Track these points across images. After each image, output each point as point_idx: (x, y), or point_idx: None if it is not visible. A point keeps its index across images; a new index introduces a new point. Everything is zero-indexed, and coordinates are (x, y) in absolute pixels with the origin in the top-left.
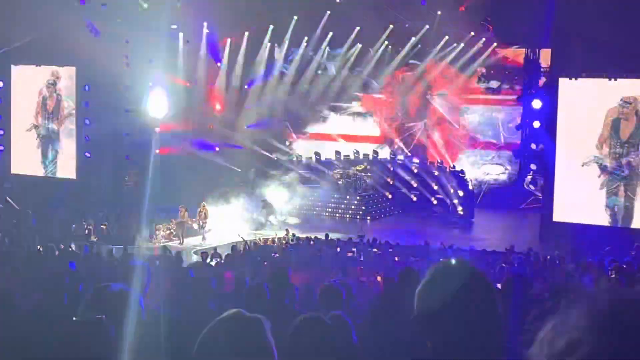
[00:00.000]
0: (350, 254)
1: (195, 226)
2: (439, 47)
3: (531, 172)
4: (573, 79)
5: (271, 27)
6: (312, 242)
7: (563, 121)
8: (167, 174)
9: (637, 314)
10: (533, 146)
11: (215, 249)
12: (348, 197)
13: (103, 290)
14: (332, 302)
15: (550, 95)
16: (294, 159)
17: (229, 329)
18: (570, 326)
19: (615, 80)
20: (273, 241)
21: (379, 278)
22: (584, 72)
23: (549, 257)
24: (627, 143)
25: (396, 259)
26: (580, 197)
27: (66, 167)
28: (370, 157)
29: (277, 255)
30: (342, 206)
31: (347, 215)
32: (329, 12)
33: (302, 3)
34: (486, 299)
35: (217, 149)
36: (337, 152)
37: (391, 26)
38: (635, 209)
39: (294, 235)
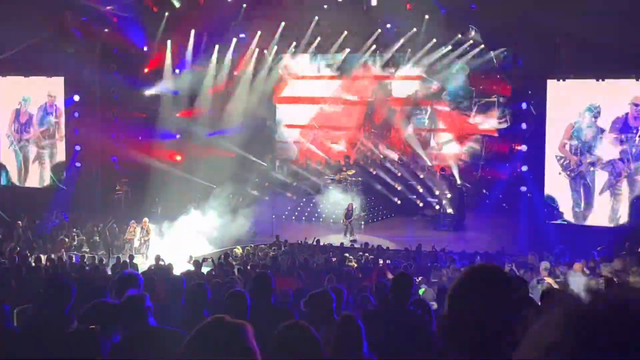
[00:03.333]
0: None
1: (137, 243)
2: (426, 49)
3: (521, 173)
4: (561, 80)
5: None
6: (303, 248)
7: (551, 122)
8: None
9: (619, 314)
10: (523, 147)
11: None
12: (339, 201)
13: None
14: (320, 310)
15: (539, 97)
16: (284, 165)
17: (212, 335)
18: (552, 326)
19: (603, 81)
20: (263, 248)
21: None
22: (572, 74)
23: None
24: (587, 144)
25: (388, 261)
26: (569, 198)
27: (44, 178)
28: (361, 161)
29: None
30: (333, 211)
31: (338, 221)
32: (317, 17)
33: (289, 9)
34: (517, 303)
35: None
36: (327, 157)
37: (379, 30)
38: (595, 206)
39: (285, 241)
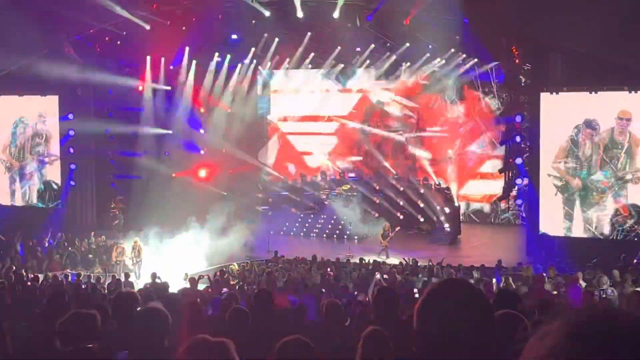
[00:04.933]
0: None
1: (130, 263)
2: (420, 63)
3: (516, 186)
4: (554, 93)
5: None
6: (300, 264)
7: (545, 135)
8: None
9: (611, 324)
10: (518, 161)
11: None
12: (334, 217)
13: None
14: (336, 317)
15: (533, 110)
16: (280, 181)
17: (198, 356)
18: (552, 334)
19: (596, 93)
20: (260, 264)
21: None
22: (565, 86)
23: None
24: (586, 161)
25: (385, 276)
26: (561, 216)
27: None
28: (356, 176)
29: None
30: (329, 227)
31: (335, 236)
32: (309, 32)
33: (284, 24)
34: (484, 316)
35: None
36: (323, 173)
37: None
38: (594, 221)
39: (282, 257)
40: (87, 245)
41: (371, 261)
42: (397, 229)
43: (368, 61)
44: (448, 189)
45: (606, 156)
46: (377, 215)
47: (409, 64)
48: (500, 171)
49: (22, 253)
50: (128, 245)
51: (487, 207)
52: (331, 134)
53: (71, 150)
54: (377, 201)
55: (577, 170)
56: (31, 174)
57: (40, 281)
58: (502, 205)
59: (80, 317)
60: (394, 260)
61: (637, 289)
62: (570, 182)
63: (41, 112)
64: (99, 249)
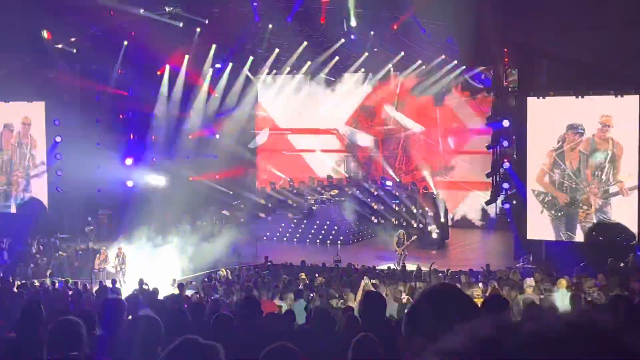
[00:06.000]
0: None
1: (113, 271)
2: (409, 67)
3: (504, 191)
4: (541, 97)
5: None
6: (288, 269)
7: (532, 140)
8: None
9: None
10: (506, 165)
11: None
12: (323, 222)
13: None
14: (325, 324)
15: (519, 115)
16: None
17: (185, 356)
18: (449, 352)
19: (583, 97)
20: (249, 269)
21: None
22: (551, 91)
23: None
24: (573, 174)
25: (374, 281)
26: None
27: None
28: (344, 181)
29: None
30: (318, 232)
31: (322, 241)
32: (306, 42)
33: (280, 33)
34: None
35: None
36: (311, 178)
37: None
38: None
39: (271, 262)
40: (73, 252)
41: (359, 266)
42: (413, 237)
43: (357, 65)
44: (436, 193)
45: (590, 167)
46: (366, 219)
47: (397, 68)
48: (488, 175)
49: (9, 260)
50: (112, 252)
51: (476, 212)
52: (325, 150)
53: (58, 157)
54: (367, 206)
55: (563, 184)
56: (18, 184)
57: (27, 288)
58: (490, 209)
59: (65, 325)
60: (383, 265)
61: (594, 291)
62: (558, 197)
63: (27, 118)
64: (85, 256)
